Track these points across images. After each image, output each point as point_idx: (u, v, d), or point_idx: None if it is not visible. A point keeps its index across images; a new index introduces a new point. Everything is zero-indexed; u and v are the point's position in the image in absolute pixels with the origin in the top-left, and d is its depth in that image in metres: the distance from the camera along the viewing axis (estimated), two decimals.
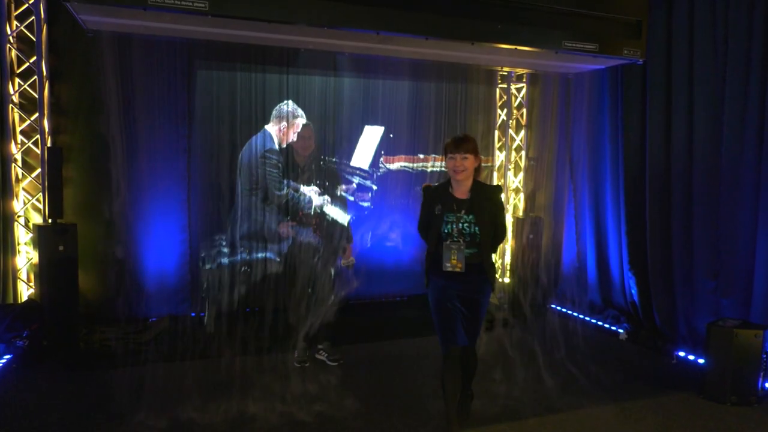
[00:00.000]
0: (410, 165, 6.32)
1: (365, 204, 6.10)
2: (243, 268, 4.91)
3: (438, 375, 3.50)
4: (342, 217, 4.61)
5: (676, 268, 5.08)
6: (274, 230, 4.50)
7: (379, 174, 6.20)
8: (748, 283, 4.53)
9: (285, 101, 4.74)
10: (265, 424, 3.56)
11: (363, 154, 6.10)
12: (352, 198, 4.72)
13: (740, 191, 4.59)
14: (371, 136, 6.11)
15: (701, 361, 4.54)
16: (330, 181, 4.58)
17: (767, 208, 4.40)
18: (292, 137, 4.67)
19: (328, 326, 4.55)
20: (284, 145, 4.67)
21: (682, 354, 4.84)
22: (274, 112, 4.67)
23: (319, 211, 4.48)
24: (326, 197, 4.55)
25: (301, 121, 4.69)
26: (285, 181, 4.48)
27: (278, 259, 4.63)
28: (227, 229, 4.94)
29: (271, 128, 4.60)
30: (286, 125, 4.61)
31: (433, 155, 6.37)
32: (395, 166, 6.28)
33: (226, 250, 5.05)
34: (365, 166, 6.09)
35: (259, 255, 4.69)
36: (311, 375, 4.30)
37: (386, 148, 6.18)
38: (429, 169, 6.41)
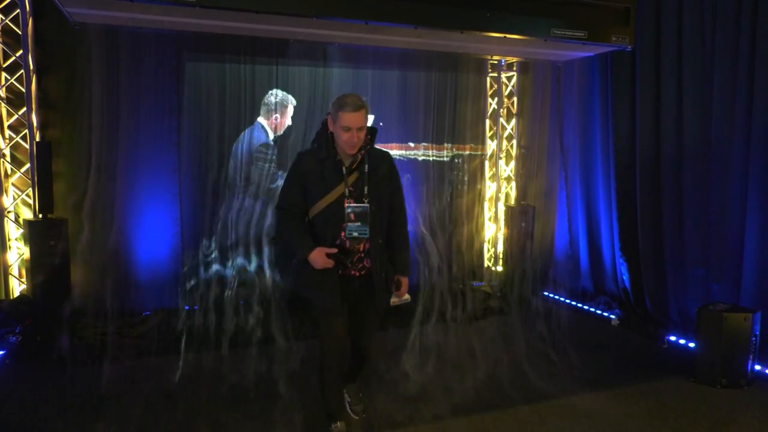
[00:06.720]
0: (402, 153, 6.22)
1: None
2: (233, 295, 4.75)
3: None
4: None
5: (666, 253, 5.13)
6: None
7: None
8: (738, 268, 4.59)
9: (272, 91, 4.65)
10: (264, 422, 3.58)
11: None
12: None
13: (729, 177, 4.63)
14: None
15: (692, 345, 4.60)
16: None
17: (756, 194, 4.44)
18: (287, 124, 4.59)
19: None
20: (279, 133, 4.60)
21: (673, 338, 4.88)
22: (263, 105, 4.59)
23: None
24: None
25: (292, 107, 4.57)
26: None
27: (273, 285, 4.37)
28: (215, 233, 4.68)
29: (263, 120, 4.53)
30: (278, 116, 4.54)
31: (423, 144, 6.30)
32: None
33: (214, 263, 4.77)
34: None
35: (252, 268, 4.51)
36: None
37: (377, 137, 6.10)
38: (420, 158, 6.35)
